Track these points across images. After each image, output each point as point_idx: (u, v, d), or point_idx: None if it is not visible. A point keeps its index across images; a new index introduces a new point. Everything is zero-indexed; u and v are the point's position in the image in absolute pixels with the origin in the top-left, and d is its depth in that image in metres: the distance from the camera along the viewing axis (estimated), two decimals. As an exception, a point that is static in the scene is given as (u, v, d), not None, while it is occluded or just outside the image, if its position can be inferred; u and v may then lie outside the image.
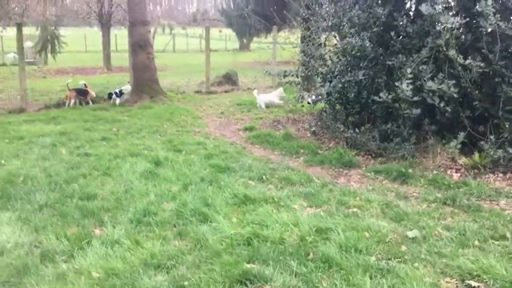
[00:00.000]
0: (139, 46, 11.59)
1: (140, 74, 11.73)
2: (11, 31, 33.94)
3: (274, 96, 11.04)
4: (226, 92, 14.11)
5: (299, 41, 12.42)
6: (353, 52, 6.80)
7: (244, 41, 34.04)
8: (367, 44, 6.30)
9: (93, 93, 11.43)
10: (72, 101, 10.84)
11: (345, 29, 6.94)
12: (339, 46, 7.73)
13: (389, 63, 6.28)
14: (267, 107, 10.63)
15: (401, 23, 6.27)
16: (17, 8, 27.08)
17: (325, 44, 8.39)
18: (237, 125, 9.23)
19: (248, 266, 3.44)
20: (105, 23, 21.63)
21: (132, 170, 5.85)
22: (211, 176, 5.63)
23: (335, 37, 8.98)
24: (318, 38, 9.37)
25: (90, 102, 11.17)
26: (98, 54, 26.27)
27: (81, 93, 11.18)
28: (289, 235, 3.96)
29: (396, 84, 5.82)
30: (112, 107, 10.76)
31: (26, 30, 15.63)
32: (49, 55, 21.40)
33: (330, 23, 7.28)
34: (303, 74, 9.66)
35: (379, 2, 6.62)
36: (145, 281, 3.28)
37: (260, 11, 18.92)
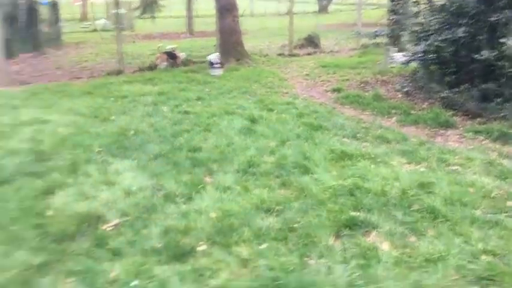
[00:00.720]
0: (227, 9, 11.84)
1: (227, 37, 12.03)
2: (99, -1, 35.75)
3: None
4: (308, 54, 14.06)
5: (386, 1, 12.00)
6: (452, 9, 6.55)
7: (324, 2, 33.26)
8: (471, 0, 6.04)
9: (181, 56, 11.94)
10: (164, 63, 11.42)
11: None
12: (435, 3, 7.46)
13: (493, 19, 5.98)
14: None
15: (508, -24, 5.92)
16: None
17: (418, 1, 8.10)
18: (323, 86, 9.28)
19: (353, 213, 3.63)
20: (188, -12, 22.09)
21: (230, 126, 6.19)
22: (306, 133, 5.82)
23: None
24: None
25: (181, 65, 11.71)
26: (179, 20, 27.06)
27: (172, 56, 11.73)
28: (391, 188, 4.07)
29: (501, 41, 5.57)
30: (202, 69, 11.20)
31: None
32: (136, 20, 22.45)
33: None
34: (392, 34, 9.45)
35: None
36: (258, 221, 3.59)
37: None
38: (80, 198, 4.08)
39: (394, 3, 9.40)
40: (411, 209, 3.71)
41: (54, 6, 18.41)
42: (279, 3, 36.50)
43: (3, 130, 6.19)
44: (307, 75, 10.49)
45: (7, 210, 3.83)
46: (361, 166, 4.59)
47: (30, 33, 16.08)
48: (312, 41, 15.45)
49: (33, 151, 5.23)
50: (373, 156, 4.91)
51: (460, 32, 6.31)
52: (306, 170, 4.56)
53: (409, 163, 4.76)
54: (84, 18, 32.30)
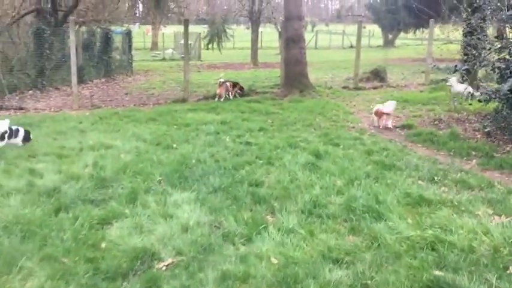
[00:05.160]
0: (293, 40, 11.72)
1: (292, 68, 11.87)
2: (169, 29, 37.44)
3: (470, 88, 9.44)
4: (374, 88, 13.57)
5: (460, 36, 11.36)
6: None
7: (390, 36, 32.66)
8: None
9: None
10: (229, 92, 11.37)
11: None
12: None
13: None
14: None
15: None
16: (175, 8, 29.70)
17: (502, 36, 7.51)
18: (392, 122, 8.77)
19: (437, 273, 3.14)
20: (255, 20, 22.45)
21: (294, 160, 5.86)
22: (376, 172, 5.38)
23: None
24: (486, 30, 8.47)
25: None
26: (244, 51, 27.51)
27: (234, 85, 11.71)
28: (479, 244, 3.54)
29: None
30: (264, 99, 11.05)
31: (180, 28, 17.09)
32: (201, 51, 23.05)
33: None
34: (468, 70, 8.82)
35: None
36: (326, 274, 3.19)
37: (412, 4, 17.87)
38: (135, 232, 3.88)
39: (471, 38, 8.82)
40: (507, 271, 3.16)
41: (127, 35, 19.28)
42: (343, 36, 36.36)
43: (68, 154, 6.24)
44: (374, 109, 10.01)
45: (62, 240, 3.69)
46: (442, 215, 4.07)
47: (103, 60, 16.86)
48: (378, 75, 14.96)
49: (94, 177, 5.17)
50: (455, 203, 4.37)
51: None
52: (378, 215, 4.11)
53: (497, 215, 4.17)
54: (154, 47, 33.82)
